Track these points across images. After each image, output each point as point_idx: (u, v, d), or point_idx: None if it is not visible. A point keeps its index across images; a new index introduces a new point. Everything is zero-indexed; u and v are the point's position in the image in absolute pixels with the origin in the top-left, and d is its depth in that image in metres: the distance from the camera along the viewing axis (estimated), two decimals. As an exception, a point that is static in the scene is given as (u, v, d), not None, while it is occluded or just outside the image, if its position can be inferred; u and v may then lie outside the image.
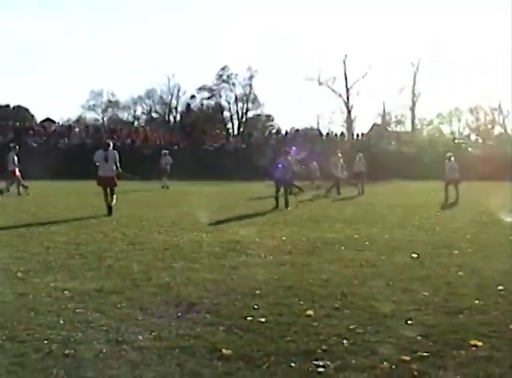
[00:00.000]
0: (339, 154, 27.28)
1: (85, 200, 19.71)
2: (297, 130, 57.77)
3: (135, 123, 77.49)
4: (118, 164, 16.07)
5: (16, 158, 23.95)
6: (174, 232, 11.99)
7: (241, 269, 8.14)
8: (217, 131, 64.28)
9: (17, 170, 23.80)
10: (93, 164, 16.01)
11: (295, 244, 10.50)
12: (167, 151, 31.48)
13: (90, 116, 79.46)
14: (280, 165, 18.50)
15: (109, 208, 15.60)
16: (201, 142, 48.18)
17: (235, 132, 72.18)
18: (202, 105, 79.74)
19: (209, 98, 78.52)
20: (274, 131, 61.00)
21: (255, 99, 78.05)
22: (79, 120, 75.26)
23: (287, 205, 18.02)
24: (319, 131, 60.28)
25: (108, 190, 15.87)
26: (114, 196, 16.00)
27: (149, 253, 9.41)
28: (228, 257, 9.13)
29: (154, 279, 7.43)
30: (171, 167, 30.68)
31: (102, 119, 78.96)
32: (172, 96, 78.45)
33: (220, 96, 77.69)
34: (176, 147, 46.03)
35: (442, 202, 20.44)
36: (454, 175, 21.84)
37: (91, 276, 7.61)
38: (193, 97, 78.85)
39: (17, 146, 25.00)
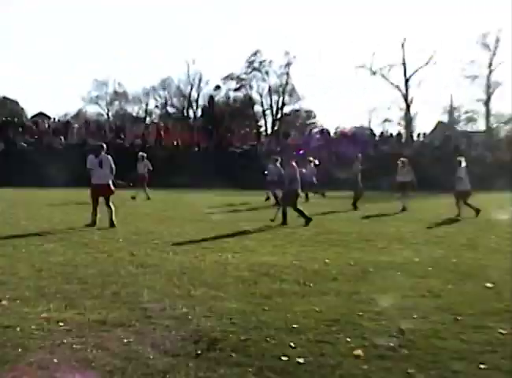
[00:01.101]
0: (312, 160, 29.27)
1: (86, 212, 19.72)
2: (344, 129, 57.36)
3: (147, 119, 77.89)
4: (113, 170, 16.70)
5: None
6: (193, 252, 12.02)
7: (275, 299, 8.16)
8: (247, 129, 64.15)
9: None
10: (87, 171, 16.60)
11: (342, 268, 10.47)
12: (144, 154, 30.92)
13: (92, 110, 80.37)
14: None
15: (111, 220, 16.25)
16: (227, 142, 48.12)
17: (269, 131, 71.98)
18: (229, 97, 79.74)
19: (236, 89, 78.48)
20: (316, 130, 60.65)
21: (293, 91, 77.69)
22: (78, 114, 75.96)
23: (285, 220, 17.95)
24: (371, 130, 59.75)
25: (104, 199, 16.53)
26: (111, 206, 16.49)
27: (163, 278, 9.41)
28: (260, 284, 9.15)
29: (169, 309, 7.45)
30: (149, 173, 30.04)
31: (107, 114, 79.62)
32: (192, 87, 78.67)
33: (251, 87, 77.65)
34: (196, 149, 46.04)
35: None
36: (458, 186, 21.45)
37: (92, 304, 7.63)
38: (217, 88, 78.88)
39: None
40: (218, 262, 10.97)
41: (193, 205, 25.32)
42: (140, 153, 31.41)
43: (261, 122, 77.87)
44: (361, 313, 7.32)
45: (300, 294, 8.46)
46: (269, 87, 76.71)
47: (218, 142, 48.42)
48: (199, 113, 79.90)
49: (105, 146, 17.21)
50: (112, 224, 16.09)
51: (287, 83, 76.80)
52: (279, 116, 77.50)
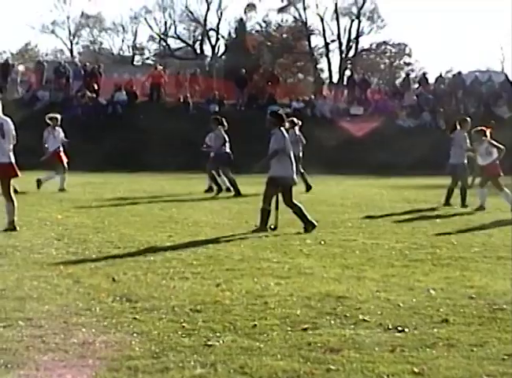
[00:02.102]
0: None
1: (31, 211, 19.57)
2: (459, 73, 56.46)
3: (136, 58, 77.14)
4: (14, 139, 16.25)
5: None
6: (213, 277, 11.61)
7: (347, 353, 7.57)
8: (299, 75, 63.56)
9: None
10: None
11: (456, 304, 9.87)
12: (58, 116, 28.92)
13: (47, 45, 79.95)
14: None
15: (11, 221, 15.99)
16: (267, 97, 47.07)
17: (335, 78, 70.55)
18: (269, 23, 78.11)
19: (282, 9, 76.09)
20: (413, 75, 60.21)
21: (374, 13, 75.83)
22: (24, 51, 75.08)
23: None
24: (505, 76, 58.60)
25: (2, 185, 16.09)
26: (12, 195, 16.17)
27: (163, 319, 8.91)
28: (322, 329, 8.57)
29: (175, 369, 6.97)
30: (65, 149, 28.57)
31: (71, 51, 79.07)
32: (208, 6, 76.44)
33: (306, 7, 75.30)
34: (216, 107, 45.15)
35: None
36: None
37: (50, 361, 7.13)
38: (251, 7, 76.74)
39: None
40: (253, 293, 10.46)
41: (212, 200, 25.46)
42: (49, 115, 29.09)
43: (323, 63, 76.14)
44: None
45: (388, 346, 7.85)
46: (336, 6, 74.39)
47: (252, 97, 47.15)
48: (221, 48, 78.16)
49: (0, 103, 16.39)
50: (12, 227, 15.81)
51: (364, 1, 74.36)
52: (351, 53, 75.39)
